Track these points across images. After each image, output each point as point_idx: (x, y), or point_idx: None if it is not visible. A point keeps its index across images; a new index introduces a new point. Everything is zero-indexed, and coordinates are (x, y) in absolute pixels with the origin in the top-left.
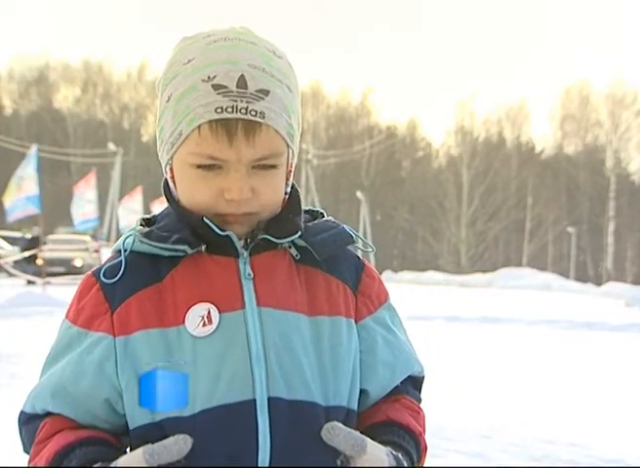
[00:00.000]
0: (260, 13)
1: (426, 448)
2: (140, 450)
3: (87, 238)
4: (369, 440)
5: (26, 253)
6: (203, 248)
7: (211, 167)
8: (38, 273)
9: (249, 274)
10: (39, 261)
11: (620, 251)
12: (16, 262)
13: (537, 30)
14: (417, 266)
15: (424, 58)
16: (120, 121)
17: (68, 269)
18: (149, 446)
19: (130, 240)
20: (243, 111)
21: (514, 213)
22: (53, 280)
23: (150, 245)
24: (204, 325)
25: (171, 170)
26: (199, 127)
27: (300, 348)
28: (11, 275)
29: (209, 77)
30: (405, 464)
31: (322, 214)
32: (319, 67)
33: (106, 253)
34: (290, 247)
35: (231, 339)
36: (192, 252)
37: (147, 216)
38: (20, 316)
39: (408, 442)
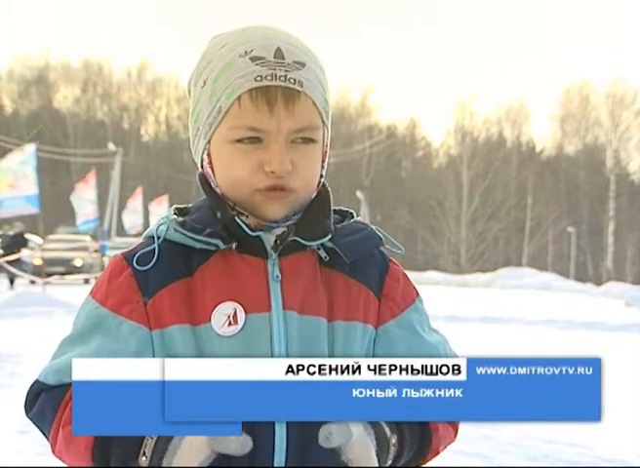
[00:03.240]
0: (259, 13)
1: (438, 450)
2: (205, 437)
3: (87, 238)
4: (354, 425)
5: (26, 253)
6: (234, 245)
7: (251, 140)
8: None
9: (277, 276)
10: (37, 261)
11: (620, 251)
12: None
13: (536, 30)
14: (417, 266)
15: (424, 58)
16: (120, 121)
17: (68, 269)
18: (216, 437)
19: (163, 228)
20: (282, 79)
21: (514, 212)
22: (52, 280)
23: (184, 234)
24: (229, 324)
25: (208, 156)
26: (239, 99)
27: (320, 353)
28: (9, 275)
29: (245, 52)
30: (392, 441)
31: (352, 214)
32: None
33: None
34: (319, 248)
35: (255, 341)
36: (224, 247)
37: (181, 206)
38: (19, 316)
39: (412, 428)
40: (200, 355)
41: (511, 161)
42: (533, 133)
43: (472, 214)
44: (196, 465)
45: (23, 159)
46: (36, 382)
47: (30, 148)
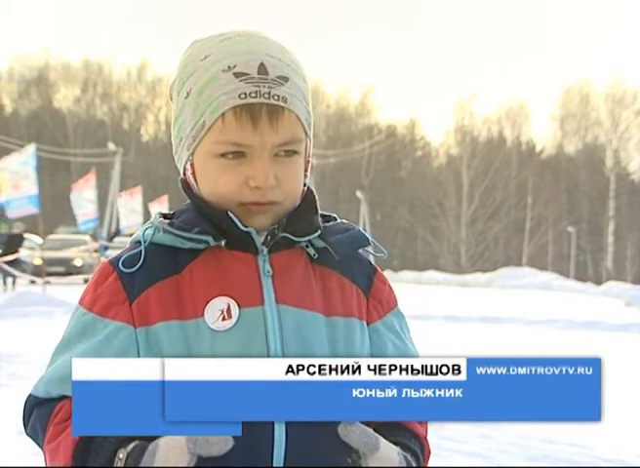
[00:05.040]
0: (259, 12)
1: (430, 452)
2: (182, 438)
3: (87, 238)
4: (382, 439)
5: (25, 253)
6: (223, 242)
7: (235, 155)
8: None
9: (268, 271)
10: (37, 261)
11: (620, 250)
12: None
13: (537, 30)
14: (417, 266)
15: (424, 58)
16: (120, 121)
17: (68, 269)
18: (193, 436)
19: (150, 231)
20: (266, 96)
21: (514, 212)
22: (52, 280)
23: (174, 233)
24: (223, 319)
25: (191, 166)
26: (223, 115)
27: (317, 347)
28: (7, 275)
29: (229, 67)
30: (413, 464)
31: (334, 217)
32: (319, 67)
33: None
34: (307, 246)
35: (250, 335)
36: (215, 244)
37: (165, 213)
38: (19, 316)
39: (414, 444)
40: (189, 350)
41: (511, 161)
42: (533, 133)
43: (472, 214)
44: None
45: (24, 159)
46: (29, 396)
47: (30, 148)
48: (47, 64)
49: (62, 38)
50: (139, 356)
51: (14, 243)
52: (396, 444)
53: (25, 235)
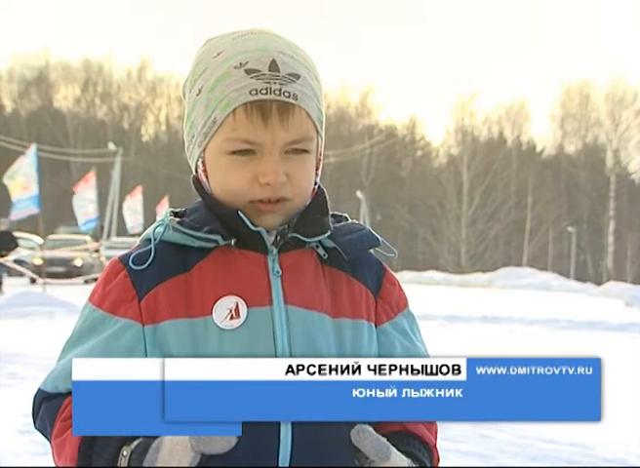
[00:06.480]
0: (259, 12)
1: (439, 459)
2: (186, 438)
3: (87, 238)
4: (393, 448)
5: (25, 253)
6: (232, 241)
7: (245, 152)
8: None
9: (277, 271)
10: (37, 261)
11: (620, 250)
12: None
13: (537, 29)
14: (417, 266)
15: (424, 57)
16: (120, 121)
17: (68, 269)
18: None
19: (160, 229)
20: (277, 92)
21: (514, 212)
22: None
23: (183, 232)
24: (231, 318)
25: (203, 163)
26: (234, 111)
27: (324, 348)
28: (10, 274)
29: (241, 63)
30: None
31: (346, 217)
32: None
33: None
34: (317, 246)
35: (258, 334)
36: (224, 243)
37: (176, 210)
38: (19, 316)
39: (424, 454)
40: (196, 348)
41: (511, 161)
42: (533, 133)
43: (472, 214)
44: (185, 465)
45: (28, 160)
46: (38, 391)
47: (31, 149)
48: (47, 64)
49: (62, 38)
50: (146, 353)
51: (3, 241)
52: (407, 454)
53: (16, 234)
